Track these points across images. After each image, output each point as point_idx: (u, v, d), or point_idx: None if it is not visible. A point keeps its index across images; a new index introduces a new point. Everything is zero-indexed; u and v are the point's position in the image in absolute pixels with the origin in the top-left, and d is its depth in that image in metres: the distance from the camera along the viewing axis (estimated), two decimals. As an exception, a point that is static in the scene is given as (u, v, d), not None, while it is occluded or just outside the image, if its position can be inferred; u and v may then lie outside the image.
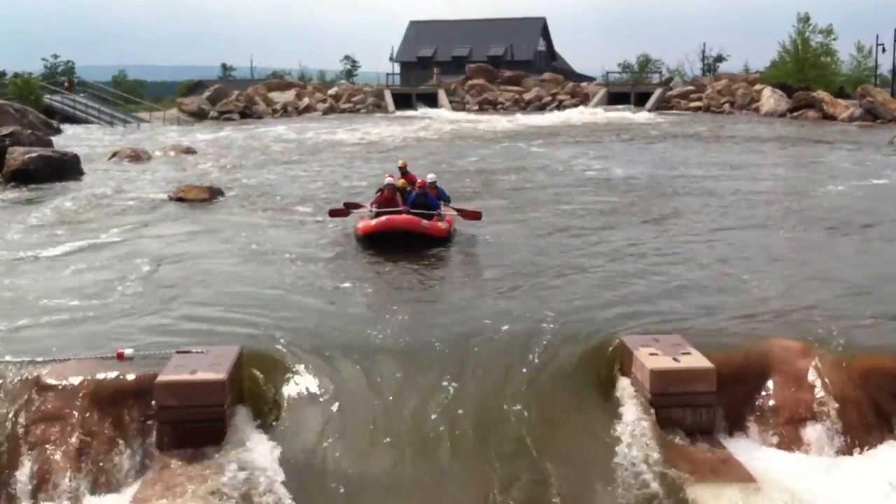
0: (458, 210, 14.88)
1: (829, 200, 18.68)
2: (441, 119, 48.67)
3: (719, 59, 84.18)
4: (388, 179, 15.04)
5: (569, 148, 31.21)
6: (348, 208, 15.07)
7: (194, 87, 67.96)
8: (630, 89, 61.29)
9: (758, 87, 55.47)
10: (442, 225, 14.03)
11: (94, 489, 7.45)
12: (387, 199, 14.44)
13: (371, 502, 7.20)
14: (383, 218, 13.74)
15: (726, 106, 54.23)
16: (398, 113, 55.23)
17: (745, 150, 30.05)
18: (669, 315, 9.97)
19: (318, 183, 22.72)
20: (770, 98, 51.89)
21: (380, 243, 13.50)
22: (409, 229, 13.55)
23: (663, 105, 56.07)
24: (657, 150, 30.02)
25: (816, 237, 14.71)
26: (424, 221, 13.80)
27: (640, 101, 57.04)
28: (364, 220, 14.18)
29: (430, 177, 15.23)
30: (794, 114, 48.66)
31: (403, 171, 15.99)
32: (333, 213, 15.18)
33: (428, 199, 14.40)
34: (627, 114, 50.85)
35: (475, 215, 14.73)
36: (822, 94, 49.67)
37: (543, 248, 13.66)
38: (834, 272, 12.03)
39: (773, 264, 12.60)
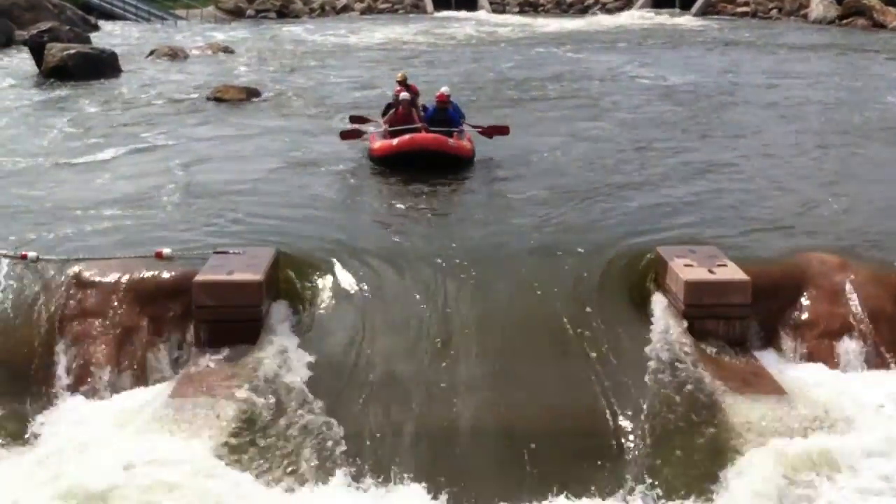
0: (480, 128, 13.42)
1: (882, 113, 18.13)
2: (481, 21, 47.74)
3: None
4: (402, 95, 13.18)
5: (614, 54, 30.41)
6: (357, 123, 13.53)
7: (232, -15, 66.95)
8: (675, -8, 59.63)
9: (807, -9, 53.77)
10: (466, 144, 12.63)
11: (132, 383, 7.66)
12: (402, 115, 12.74)
13: (403, 402, 7.31)
14: (406, 137, 12.11)
15: (774, 12, 52.70)
16: (437, 14, 54.26)
17: (795, 58, 29.19)
18: (707, 226, 9.89)
19: (354, 86, 22.50)
20: (819, 4, 50.29)
21: (397, 166, 12.10)
22: (435, 149, 12.04)
23: (709, 10, 54.58)
24: (705, 58, 29.20)
25: (865, 151, 14.34)
26: (451, 140, 12.29)
27: (685, 4, 55.52)
28: (379, 140, 12.64)
29: (444, 90, 13.24)
30: (843, 21, 47.21)
31: (404, 85, 14.24)
32: (345, 135, 13.31)
33: (448, 114, 12.80)
34: (673, 18, 49.62)
35: (502, 130, 13.43)
36: (872, 0, 48.08)
37: (581, 161, 13.33)
38: (881, 187, 11.80)
39: (818, 178, 12.37)
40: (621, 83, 22.92)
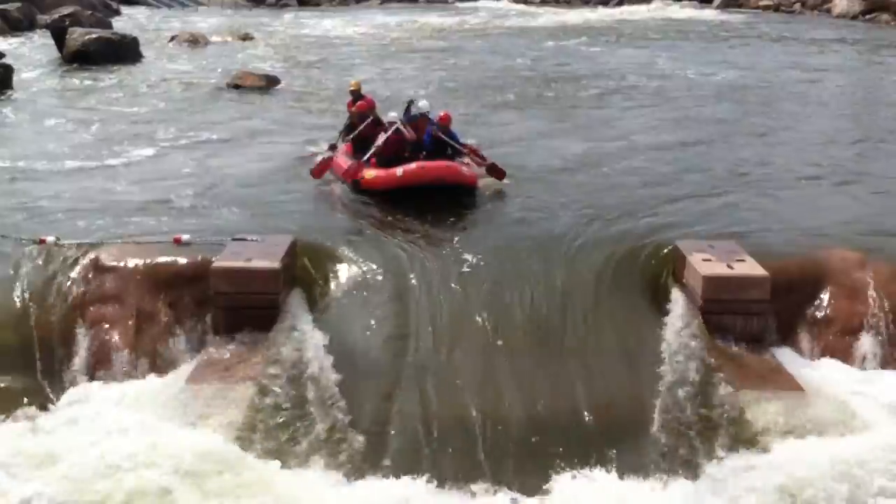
0: (479, 159, 11.27)
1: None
2: (503, 11, 47.62)
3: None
4: (391, 115, 11.31)
5: (637, 48, 29.92)
6: (325, 166, 11.38)
7: (253, -29, 66.89)
8: (698, -15, 59.20)
9: (831, -14, 53.30)
10: (474, 168, 10.95)
11: (150, 368, 7.69)
12: (394, 144, 10.83)
13: (418, 389, 7.35)
14: (412, 166, 10.22)
15: (797, 6, 52.26)
16: (458, 4, 54.15)
17: (823, 53, 28.78)
18: (728, 221, 9.82)
19: (373, 77, 22.37)
20: (843, -1, 49.90)
21: (396, 197, 10.26)
22: (448, 179, 10.28)
23: (731, 3, 54.26)
24: (730, 52, 28.68)
25: (890, 149, 14.19)
26: (463, 168, 10.62)
27: (707, -3, 55.20)
28: (371, 170, 10.58)
29: (423, 104, 11.22)
30: (868, 16, 46.80)
31: (357, 96, 12.64)
32: (317, 172, 11.39)
33: (451, 137, 10.97)
34: (694, 11, 49.28)
35: (500, 174, 11.16)
36: (897, -5, 47.60)
37: (602, 158, 13.02)
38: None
39: (842, 174, 12.22)
40: (646, 79, 22.53)
